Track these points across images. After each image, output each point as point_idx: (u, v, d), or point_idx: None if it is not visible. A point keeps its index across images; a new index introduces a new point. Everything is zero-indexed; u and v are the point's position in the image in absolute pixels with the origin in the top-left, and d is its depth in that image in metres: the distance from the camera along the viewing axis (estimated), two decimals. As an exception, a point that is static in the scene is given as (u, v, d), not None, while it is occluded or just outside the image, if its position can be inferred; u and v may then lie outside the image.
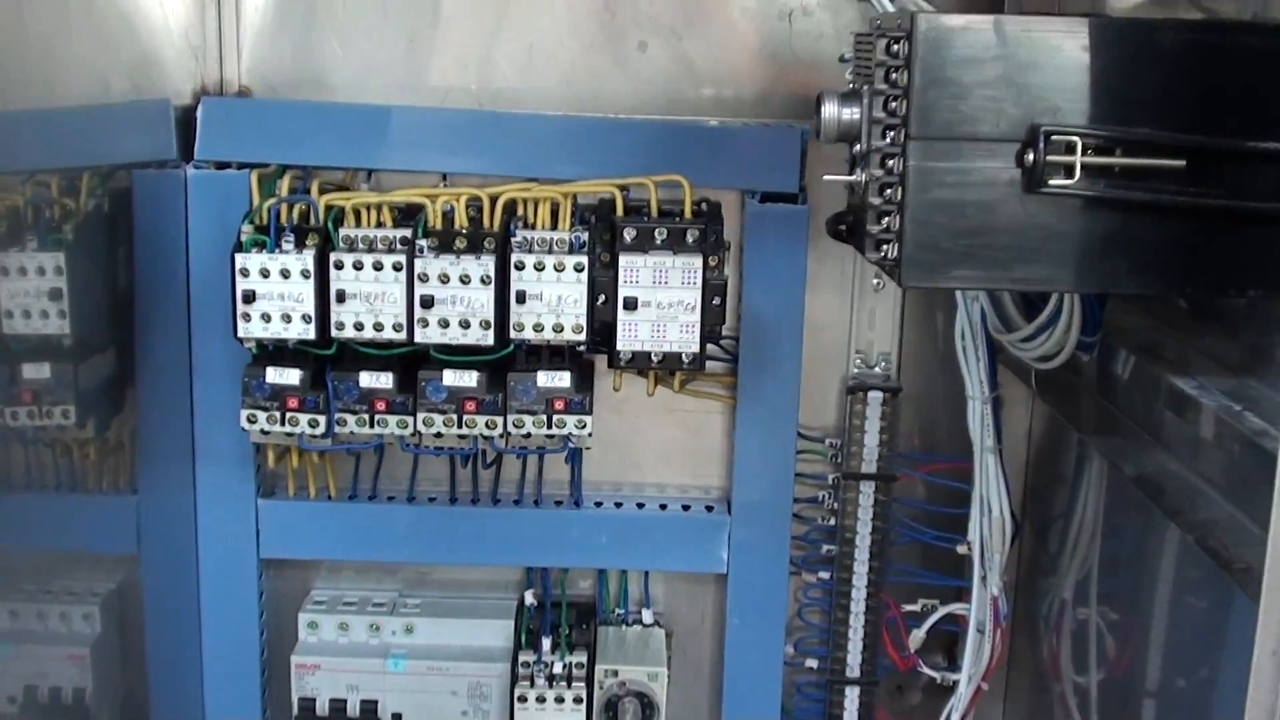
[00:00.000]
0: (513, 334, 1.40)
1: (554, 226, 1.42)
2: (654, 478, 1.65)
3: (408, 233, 1.39)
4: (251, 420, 1.42)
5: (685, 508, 1.61)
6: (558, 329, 1.39)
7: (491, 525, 1.58)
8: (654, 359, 1.41)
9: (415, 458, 1.58)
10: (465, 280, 1.37)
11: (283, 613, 1.64)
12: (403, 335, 1.39)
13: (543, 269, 1.38)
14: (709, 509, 1.60)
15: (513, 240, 1.39)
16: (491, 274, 1.37)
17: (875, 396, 1.61)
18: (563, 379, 1.42)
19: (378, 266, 1.38)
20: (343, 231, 1.40)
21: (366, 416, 1.42)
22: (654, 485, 1.65)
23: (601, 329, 1.41)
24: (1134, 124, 1.00)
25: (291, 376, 1.41)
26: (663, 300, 1.39)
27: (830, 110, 1.11)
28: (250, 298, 1.38)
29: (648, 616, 1.66)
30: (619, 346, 1.40)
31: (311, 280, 1.37)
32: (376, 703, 1.58)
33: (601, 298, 1.40)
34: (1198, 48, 1.00)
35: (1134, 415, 1.30)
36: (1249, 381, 1.14)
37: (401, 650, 1.59)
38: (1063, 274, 1.04)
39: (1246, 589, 0.98)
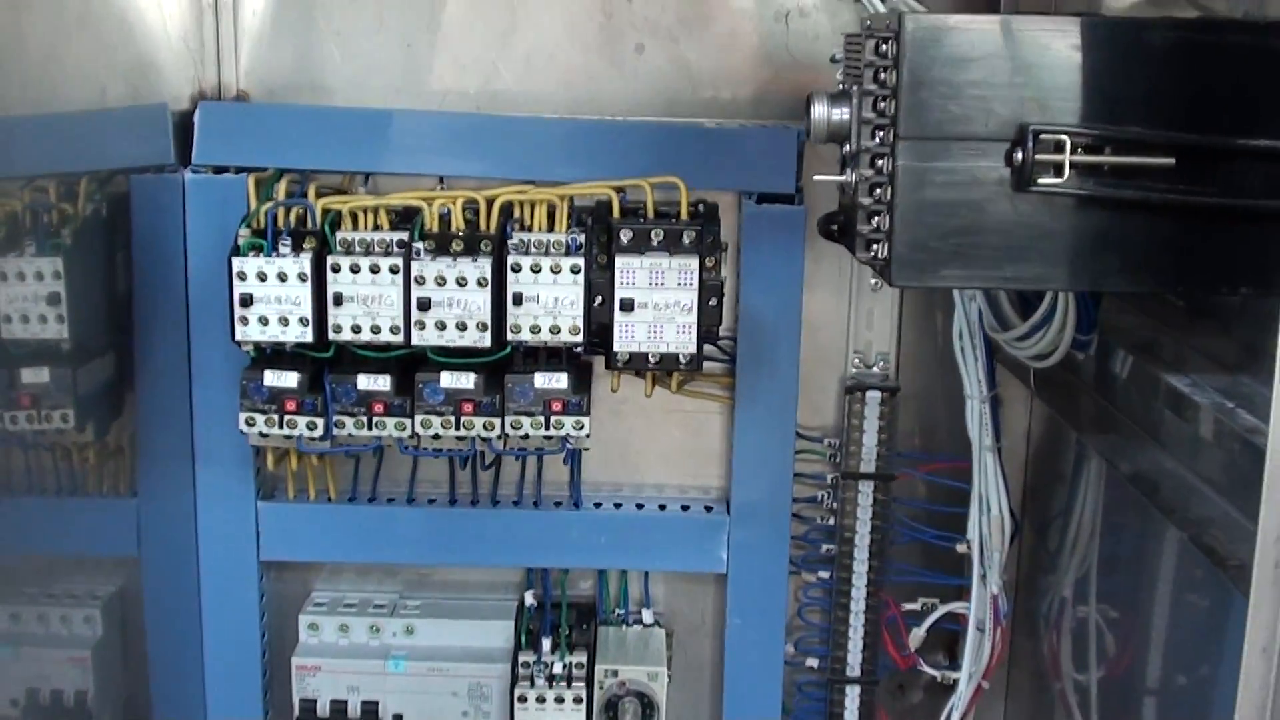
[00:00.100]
0: (510, 336, 1.40)
1: (550, 228, 1.42)
2: (653, 478, 1.65)
3: (404, 235, 1.39)
4: (250, 423, 1.42)
5: (684, 508, 1.61)
6: (554, 330, 1.40)
7: (491, 526, 1.58)
8: (651, 360, 1.41)
9: (415, 460, 1.59)
10: (462, 282, 1.37)
11: (283, 615, 1.64)
12: (400, 338, 1.39)
13: (539, 271, 1.38)
14: (708, 509, 1.60)
15: (509, 242, 1.39)
16: (488, 276, 1.37)
17: (874, 396, 1.60)
18: (560, 380, 1.42)
19: (375, 269, 1.38)
20: (340, 235, 1.40)
21: (364, 419, 1.42)
22: (653, 486, 1.65)
23: (599, 330, 1.41)
24: (1123, 122, 1.00)
25: (289, 379, 1.41)
26: (659, 301, 1.39)
27: (820, 111, 1.11)
28: (248, 301, 1.38)
29: (648, 616, 1.66)
30: (616, 348, 1.40)
31: (309, 283, 1.37)
32: (377, 704, 1.58)
33: (598, 299, 1.40)
34: (1187, 46, 0.99)
35: (1131, 414, 1.30)
36: (1243, 379, 1.14)
37: (402, 651, 1.60)
38: (1053, 272, 1.04)
39: (1240, 586, 0.98)
